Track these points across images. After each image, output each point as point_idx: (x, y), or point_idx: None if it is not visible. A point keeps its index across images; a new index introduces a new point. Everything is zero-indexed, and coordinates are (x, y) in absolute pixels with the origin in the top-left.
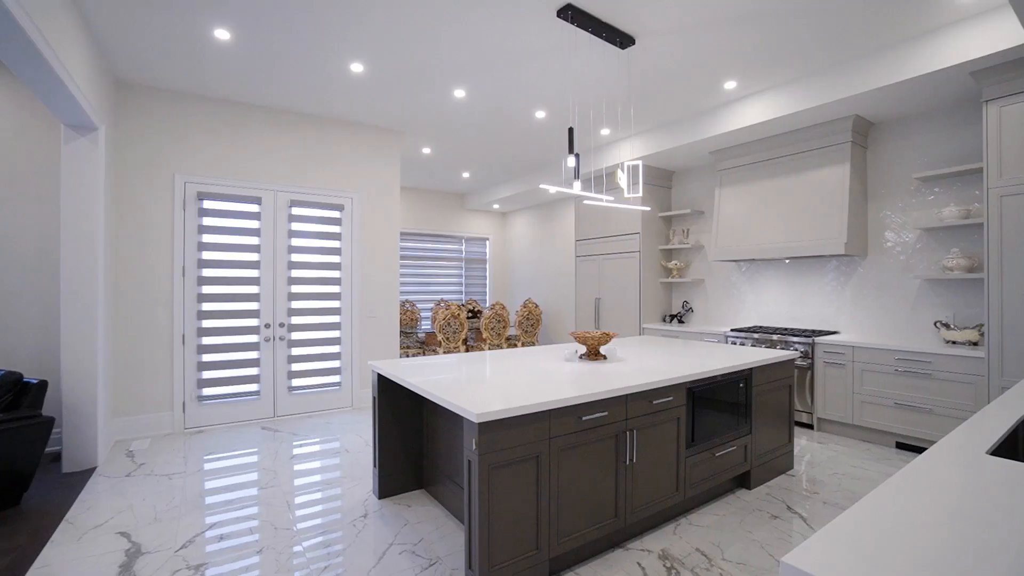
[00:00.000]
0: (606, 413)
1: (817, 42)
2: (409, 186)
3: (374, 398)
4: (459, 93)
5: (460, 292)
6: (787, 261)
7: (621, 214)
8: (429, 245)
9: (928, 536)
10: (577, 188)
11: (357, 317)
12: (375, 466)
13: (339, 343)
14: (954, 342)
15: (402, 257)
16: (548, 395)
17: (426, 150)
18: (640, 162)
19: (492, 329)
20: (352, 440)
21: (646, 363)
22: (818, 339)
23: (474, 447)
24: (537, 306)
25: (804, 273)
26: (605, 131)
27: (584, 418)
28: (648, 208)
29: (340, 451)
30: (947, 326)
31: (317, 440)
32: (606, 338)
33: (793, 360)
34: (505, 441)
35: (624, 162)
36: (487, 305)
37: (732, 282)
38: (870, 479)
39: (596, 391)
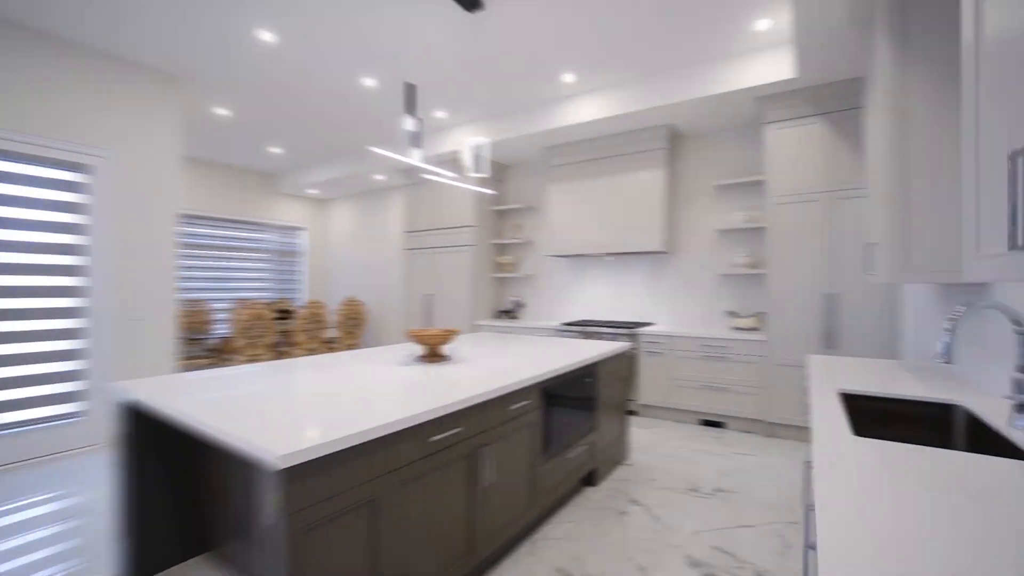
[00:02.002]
0: (460, 429)
1: (641, 49)
2: (200, 157)
3: (123, 435)
4: (266, 36)
5: (269, 289)
6: (610, 258)
7: (454, 205)
8: (228, 232)
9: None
10: (418, 159)
11: (112, 321)
12: (123, 536)
13: (79, 357)
14: (740, 328)
15: (190, 245)
16: (386, 413)
17: (221, 111)
18: (488, 141)
19: (308, 331)
20: (100, 495)
21: (495, 363)
22: (640, 330)
23: (275, 507)
24: (362, 304)
25: (625, 269)
26: (440, 113)
27: (433, 439)
28: (495, 192)
29: (79, 512)
30: (735, 315)
31: (39, 500)
32: (448, 336)
33: (629, 351)
34: (325, 488)
35: (470, 141)
36: (302, 304)
37: (562, 277)
38: (690, 458)
39: (447, 402)
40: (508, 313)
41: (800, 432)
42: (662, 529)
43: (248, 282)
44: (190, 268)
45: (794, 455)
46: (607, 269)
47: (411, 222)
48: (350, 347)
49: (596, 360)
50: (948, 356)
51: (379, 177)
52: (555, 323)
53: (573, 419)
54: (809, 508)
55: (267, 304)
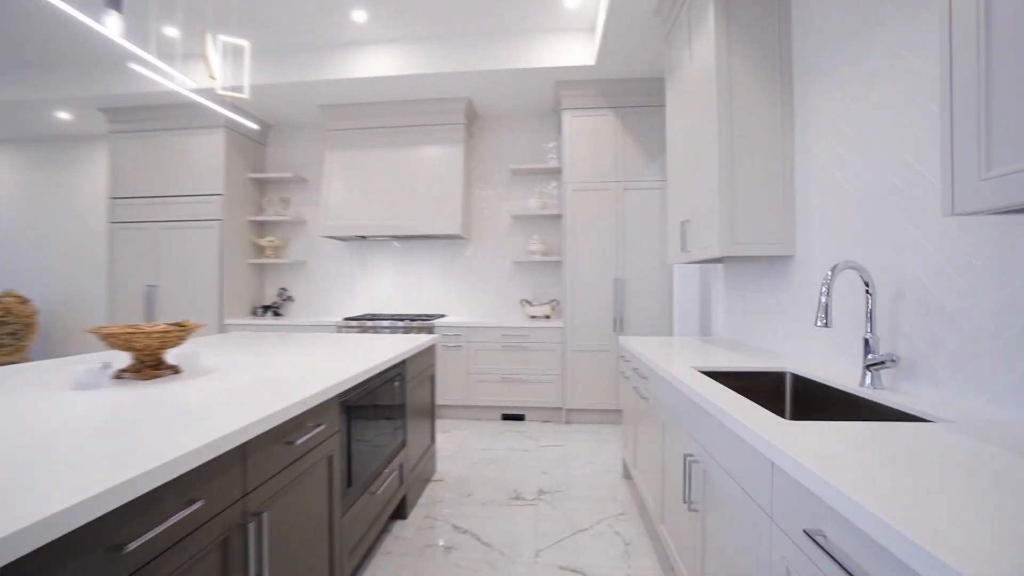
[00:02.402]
0: (200, 503)
1: (445, 5)
2: None
3: None
4: None
5: None
6: (397, 243)
7: (193, 165)
8: None
9: None
10: (117, 30)
11: None
12: None
13: None
14: (534, 316)
15: None
16: (31, 499)
17: None
18: (247, 44)
19: None
20: None
21: (261, 372)
22: (434, 323)
23: None
24: (25, 302)
25: (415, 255)
26: (172, 31)
27: (132, 545)
28: (256, 127)
29: None
30: (529, 303)
31: None
32: (177, 336)
33: (435, 346)
34: None
35: (218, 35)
36: None
37: (341, 265)
38: (502, 461)
39: (167, 458)
40: (271, 309)
41: (600, 416)
42: (499, 559)
43: None
44: None
45: (599, 440)
46: (394, 255)
47: (121, 186)
48: (4, 363)
49: (404, 357)
50: (828, 320)
51: (63, 115)
52: (335, 318)
53: (380, 437)
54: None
55: None
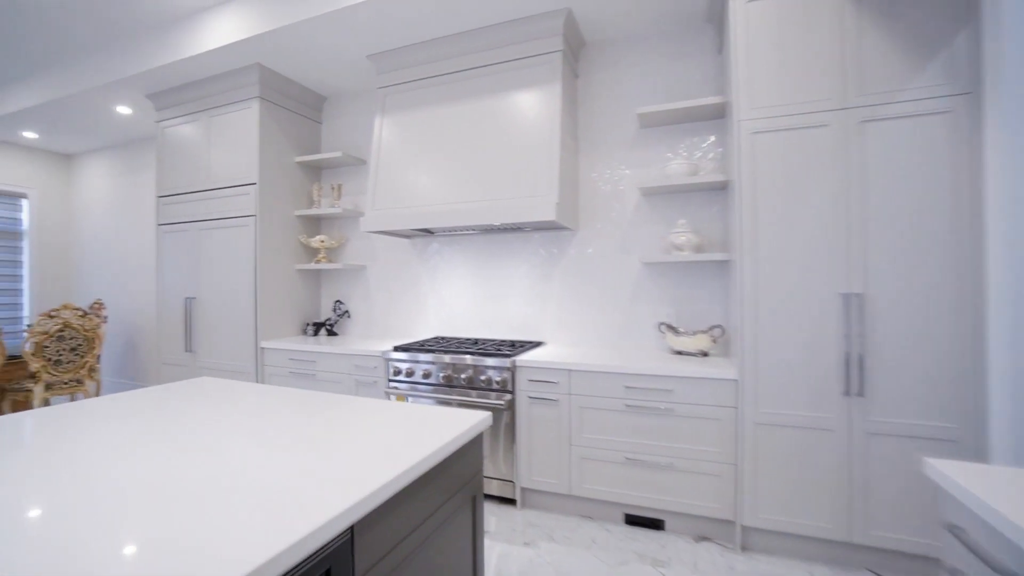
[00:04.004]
0: None
1: None
2: None
3: None
4: None
5: None
6: (474, 232)
7: (228, 149)
8: None
9: None
10: None
11: None
12: None
13: None
14: (682, 352)
15: None
16: None
17: None
18: None
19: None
20: None
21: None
22: (520, 358)
23: None
24: (85, 315)
25: (499, 253)
26: None
27: None
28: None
29: None
30: (673, 329)
31: None
32: None
33: (481, 433)
34: None
35: None
36: (24, 312)
37: (405, 269)
38: None
39: None
40: (325, 326)
41: (809, 547)
42: None
43: None
44: None
45: None
46: (472, 254)
47: (166, 182)
48: (72, 390)
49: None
50: None
51: (123, 110)
52: (386, 345)
53: None
54: None
55: None
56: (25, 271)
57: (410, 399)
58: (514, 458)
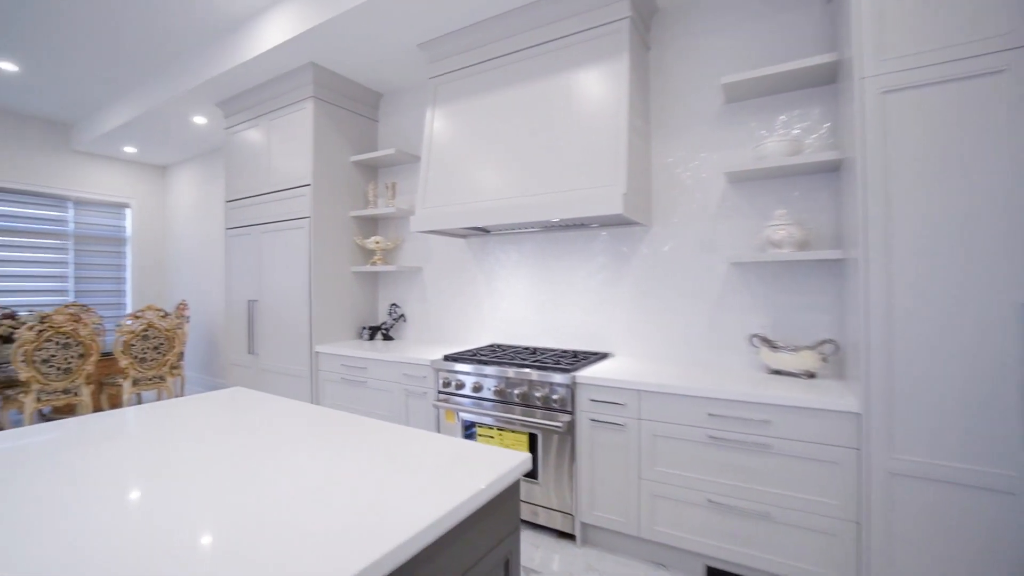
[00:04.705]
0: None
1: None
2: None
3: None
4: None
5: (67, 291)
6: (534, 229)
7: (286, 152)
8: None
9: None
10: None
11: None
12: None
13: None
14: (780, 372)
15: None
16: None
17: None
18: None
19: (42, 362)
20: None
21: None
22: (581, 373)
23: None
24: (166, 316)
25: (561, 253)
26: None
27: None
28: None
29: None
30: (769, 343)
31: None
32: None
33: (518, 480)
34: None
35: None
36: (127, 312)
37: (461, 271)
38: None
39: None
40: (381, 330)
41: None
42: None
43: (33, 281)
44: None
45: None
46: (531, 254)
47: (233, 186)
48: (154, 386)
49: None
50: None
51: (199, 120)
52: (436, 354)
53: None
54: None
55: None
56: (128, 274)
57: (460, 416)
58: (574, 488)
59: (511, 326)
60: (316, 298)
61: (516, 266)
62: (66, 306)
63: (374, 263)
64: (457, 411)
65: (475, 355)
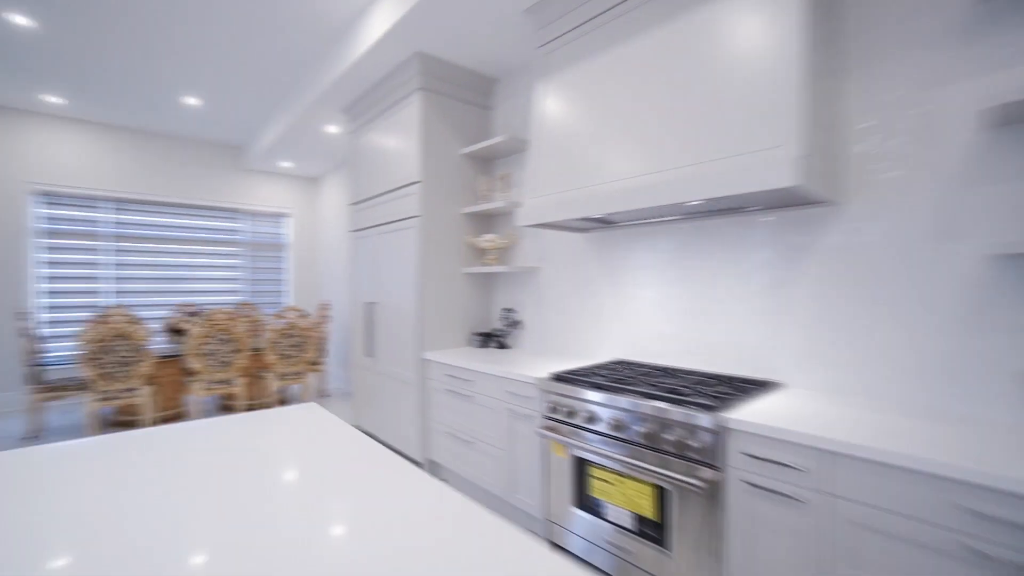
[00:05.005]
0: None
1: None
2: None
3: None
4: None
5: (244, 292)
6: (674, 216)
7: (393, 145)
8: (182, 221)
9: None
10: None
11: None
12: None
13: None
14: None
15: (121, 238)
16: None
17: (19, 18)
18: None
19: (212, 356)
20: None
21: None
22: (735, 416)
23: None
24: (306, 316)
25: (708, 247)
26: None
27: None
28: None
29: None
30: None
31: None
32: None
33: None
34: None
35: None
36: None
37: (581, 271)
38: None
39: None
40: (495, 337)
41: None
42: None
43: (213, 283)
44: (124, 267)
45: None
46: (667, 248)
47: (355, 188)
48: (292, 378)
49: None
50: None
51: (332, 129)
52: (543, 371)
53: None
54: None
55: (133, 316)
56: (287, 276)
57: (572, 452)
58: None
59: (642, 340)
60: (425, 301)
61: (647, 265)
62: (236, 306)
63: (487, 263)
64: (568, 444)
65: (589, 375)
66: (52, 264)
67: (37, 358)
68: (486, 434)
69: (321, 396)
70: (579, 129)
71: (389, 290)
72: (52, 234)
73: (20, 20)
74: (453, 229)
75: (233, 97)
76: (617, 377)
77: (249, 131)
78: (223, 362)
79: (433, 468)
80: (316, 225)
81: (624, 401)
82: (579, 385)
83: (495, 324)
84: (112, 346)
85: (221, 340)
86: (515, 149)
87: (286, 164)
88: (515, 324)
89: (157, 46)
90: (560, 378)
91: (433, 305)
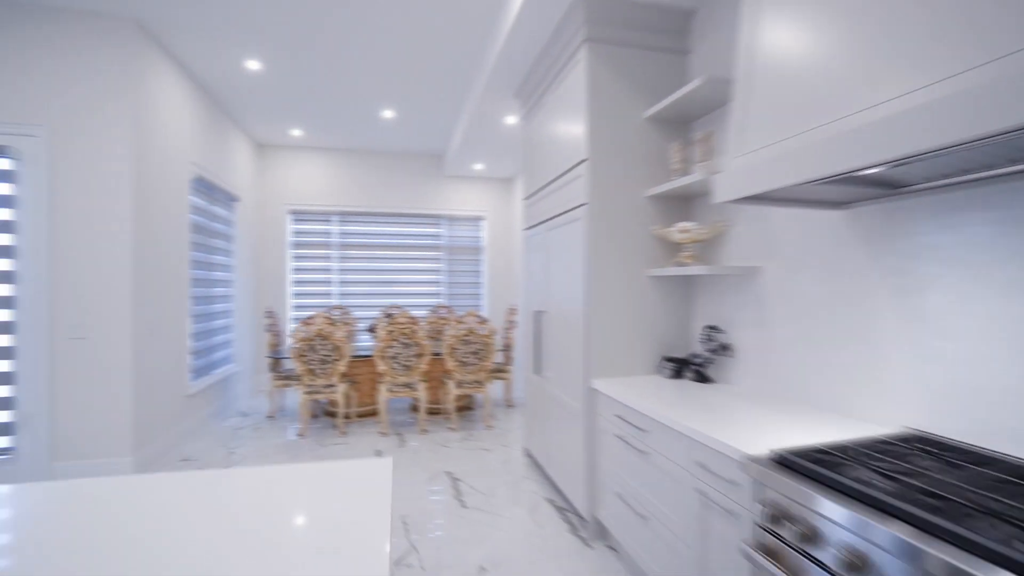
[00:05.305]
0: None
1: None
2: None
3: None
4: None
5: (439, 295)
6: (1003, 172)
7: (562, 116)
8: (391, 229)
9: None
10: None
11: (46, 339)
12: None
13: (9, 382)
14: None
15: (344, 246)
16: None
17: (253, 64)
18: None
19: (395, 358)
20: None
21: None
22: None
23: None
24: (485, 322)
25: None
26: None
27: None
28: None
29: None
30: None
31: None
32: None
33: None
34: None
35: None
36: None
37: (835, 271)
38: None
39: None
40: (691, 366)
41: None
42: None
43: (415, 286)
44: (348, 272)
45: None
46: (1003, 230)
47: (528, 181)
48: (476, 385)
49: None
50: None
51: (510, 120)
52: (781, 428)
53: None
54: None
55: (329, 317)
56: (483, 279)
57: None
58: None
59: (956, 395)
60: (595, 312)
61: (964, 263)
62: (433, 308)
63: (682, 263)
64: None
65: (852, 468)
66: (298, 271)
67: (277, 350)
68: (664, 513)
69: (507, 406)
70: (813, 39)
71: (556, 297)
72: (298, 246)
73: (253, 65)
74: (634, 218)
75: (419, 103)
76: (909, 470)
77: (442, 137)
78: (405, 365)
79: (600, 533)
80: (509, 227)
81: (941, 551)
82: (831, 489)
83: (694, 347)
84: (315, 345)
85: (404, 344)
86: (721, 100)
87: (478, 166)
88: (722, 349)
89: (353, 63)
90: (789, 464)
91: (606, 318)
